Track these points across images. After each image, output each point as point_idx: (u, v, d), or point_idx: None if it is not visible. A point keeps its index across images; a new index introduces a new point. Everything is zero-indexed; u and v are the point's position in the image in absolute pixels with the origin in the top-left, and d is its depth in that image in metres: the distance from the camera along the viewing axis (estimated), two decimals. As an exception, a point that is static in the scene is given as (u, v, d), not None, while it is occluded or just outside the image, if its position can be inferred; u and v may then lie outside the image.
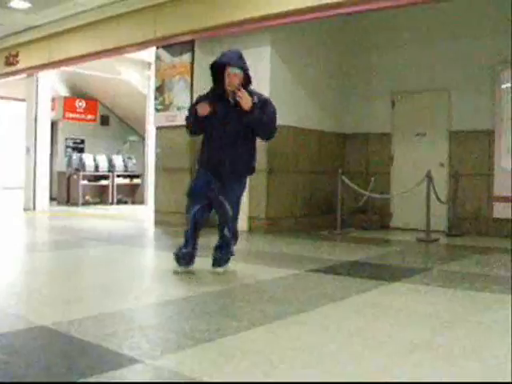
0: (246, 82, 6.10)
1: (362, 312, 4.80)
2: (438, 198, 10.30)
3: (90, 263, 7.62)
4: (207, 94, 6.40)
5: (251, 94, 6.02)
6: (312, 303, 5.04)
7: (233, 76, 5.99)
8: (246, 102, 5.91)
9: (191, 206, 6.32)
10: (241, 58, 6.15)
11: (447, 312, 4.83)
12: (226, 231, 6.35)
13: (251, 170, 6.33)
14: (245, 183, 6.43)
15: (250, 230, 10.64)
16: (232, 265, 6.55)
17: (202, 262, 6.60)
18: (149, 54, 13.68)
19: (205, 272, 6.55)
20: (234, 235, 6.43)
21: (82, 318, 4.36)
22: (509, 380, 2.67)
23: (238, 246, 9.01)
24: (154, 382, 3.22)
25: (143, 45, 12.40)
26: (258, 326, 4.24)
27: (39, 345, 3.78)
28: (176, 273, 6.34)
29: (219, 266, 6.39)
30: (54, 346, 3.79)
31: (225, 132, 6.06)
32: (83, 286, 5.91)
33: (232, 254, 6.49)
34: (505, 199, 10.69)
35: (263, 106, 6.05)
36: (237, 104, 5.97)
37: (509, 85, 10.73)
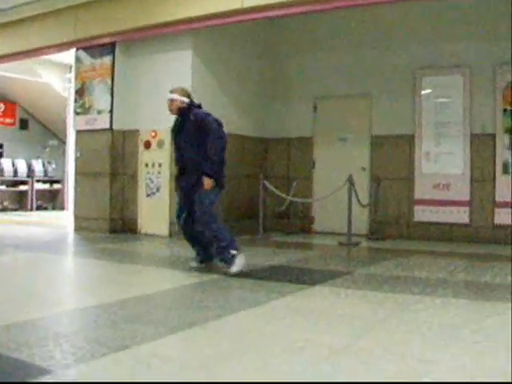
0: (187, 107, 6.90)
1: (281, 316, 4.75)
2: (360, 202, 10.38)
3: (5, 271, 7.35)
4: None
5: (191, 114, 6.78)
6: (231, 308, 4.97)
7: (170, 102, 6.94)
8: (207, 186, 6.62)
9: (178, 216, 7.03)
10: (178, 90, 7.05)
11: (368, 315, 4.82)
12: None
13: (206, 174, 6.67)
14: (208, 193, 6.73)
15: (171, 235, 10.52)
16: (155, 270, 6.41)
17: (126, 267, 6.46)
18: (70, 56, 13.38)
19: (125, 278, 6.43)
20: (216, 237, 6.63)
21: (-9, 327, 4.18)
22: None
23: (159, 251, 8.93)
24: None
25: (63, 46, 12.17)
26: (175, 332, 4.14)
27: None
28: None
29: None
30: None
31: (179, 143, 6.93)
32: (-4, 294, 5.69)
33: (228, 254, 6.62)
34: (425, 203, 10.85)
35: (207, 133, 6.67)
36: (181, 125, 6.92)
37: (428, 91, 10.91)
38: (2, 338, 3.94)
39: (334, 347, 3.84)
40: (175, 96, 6.86)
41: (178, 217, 6.98)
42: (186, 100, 6.88)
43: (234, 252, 6.53)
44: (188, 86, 10.37)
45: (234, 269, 6.48)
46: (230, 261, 6.52)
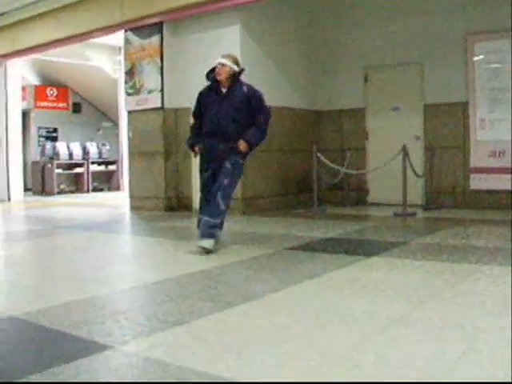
0: (236, 75, 6.72)
1: (338, 288, 4.74)
2: (415, 172, 10.26)
3: (64, 251, 7.49)
4: (205, 88, 7.01)
5: (242, 85, 6.72)
6: (288, 281, 4.96)
7: (220, 67, 6.62)
8: (243, 148, 6.60)
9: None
10: (230, 56, 6.81)
11: (425, 285, 4.78)
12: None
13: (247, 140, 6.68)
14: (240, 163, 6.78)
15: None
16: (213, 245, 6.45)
17: (182, 244, 6.49)
18: (119, 38, 13.46)
19: (182, 255, 6.48)
20: (221, 211, 6.61)
21: (52, 306, 4.26)
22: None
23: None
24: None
25: (111, 29, 12.21)
26: (232, 306, 4.16)
27: (8, 335, 3.69)
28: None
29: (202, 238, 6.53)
30: (23, 336, 3.69)
31: (218, 117, 6.66)
32: (56, 274, 5.78)
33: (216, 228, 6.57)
34: (481, 171, 10.68)
35: (256, 109, 6.69)
36: (228, 92, 6.71)
37: (481, 57, 10.69)
38: (61, 316, 4.02)
39: (391, 318, 3.81)
40: (227, 61, 6.61)
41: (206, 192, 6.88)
42: (237, 68, 6.69)
43: (218, 233, 6.64)
44: (237, 61, 10.44)
45: (206, 244, 6.41)
46: (210, 236, 6.47)
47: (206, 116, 6.74)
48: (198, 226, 6.71)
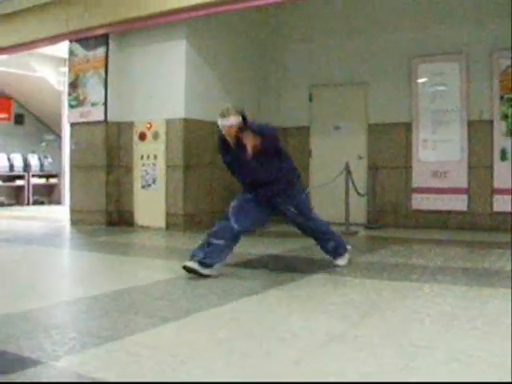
0: (243, 124, 5.86)
1: (277, 305, 4.69)
2: (357, 191, 10.30)
3: (0, 264, 7.29)
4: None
5: (250, 127, 5.85)
6: (226, 297, 4.90)
7: (227, 129, 5.88)
8: (250, 141, 5.79)
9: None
10: (231, 112, 5.89)
11: (365, 302, 4.76)
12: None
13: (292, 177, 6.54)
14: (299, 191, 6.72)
15: (168, 227, 10.45)
16: (151, 262, 6.35)
17: (120, 259, 6.39)
18: (64, 49, 13.27)
19: (120, 269, 6.37)
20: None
21: (-19, 319, 4.11)
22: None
23: (154, 243, 8.89)
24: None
25: (56, 39, 12.01)
26: (168, 322, 4.07)
27: None
28: None
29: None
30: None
31: (252, 175, 6.19)
32: (-11, 287, 5.62)
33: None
34: (423, 191, 10.79)
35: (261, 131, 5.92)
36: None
37: (425, 79, 10.83)
38: (-7, 330, 3.88)
39: (330, 335, 3.78)
40: (233, 121, 5.79)
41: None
42: (240, 118, 5.85)
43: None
44: (182, 76, 10.39)
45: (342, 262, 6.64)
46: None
47: (239, 172, 6.27)
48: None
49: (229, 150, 6.04)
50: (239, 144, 5.86)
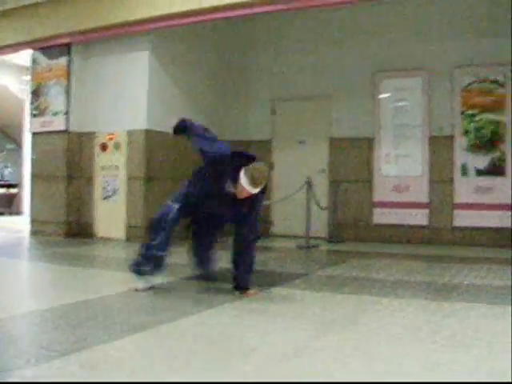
0: None
1: (237, 318, 4.64)
2: (318, 205, 10.31)
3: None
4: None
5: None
6: (184, 311, 4.84)
7: (246, 193, 5.28)
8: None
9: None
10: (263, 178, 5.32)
11: (325, 316, 4.74)
12: None
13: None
14: None
15: (128, 238, 10.35)
16: (109, 274, 6.26)
17: (78, 271, 6.28)
18: (27, 58, 13.14)
19: (77, 282, 6.27)
20: None
21: None
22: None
23: (114, 255, 8.79)
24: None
25: (18, 47, 11.93)
26: (125, 335, 4.00)
27: None
28: None
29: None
30: None
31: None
32: None
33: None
34: (384, 205, 10.85)
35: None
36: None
37: (387, 94, 10.91)
38: None
39: (289, 349, 3.74)
40: (259, 188, 5.31)
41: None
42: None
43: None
44: (144, 87, 10.33)
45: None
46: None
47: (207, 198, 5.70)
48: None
49: (218, 178, 5.47)
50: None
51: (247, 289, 5.67)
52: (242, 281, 5.71)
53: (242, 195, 5.29)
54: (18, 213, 17.78)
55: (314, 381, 3.13)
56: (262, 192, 5.48)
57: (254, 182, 5.17)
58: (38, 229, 11.41)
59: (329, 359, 3.52)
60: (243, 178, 5.18)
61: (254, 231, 5.80)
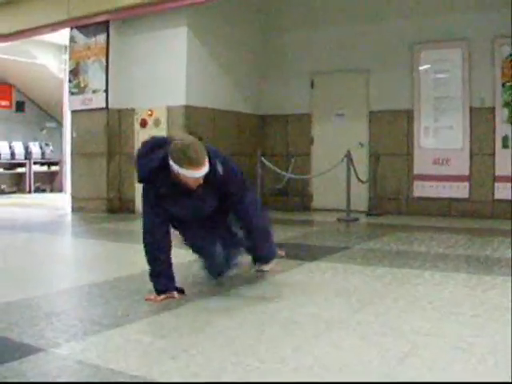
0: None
1: (279, 292, 4.67)
2: (358, 178, 10.29)
3: (1, 252, 7.27)
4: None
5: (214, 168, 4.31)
6: (227, 286, 4.87)
7: (195, 180, 4.19)
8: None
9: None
10: (204, 161, 4.19)
11: (366, 289, 4.75)
12: None
13: None
14: None
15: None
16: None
17: (121, 246, 6.38)
18: (64, 37, 13.23)
19: (121, 257, 6.36)
20: None
21: (-18, 307, 4.11)
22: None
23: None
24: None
25: (56, 26, 11.98)
26: (168, 309, 4.06)
27: None
28: None
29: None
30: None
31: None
32: (-10, 274, 5.62)
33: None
34: (424, 178, 10.78)
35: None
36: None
37: (427, 66, 10.79)
38: (-6, 317, 3.88)
39: (332, 321, 3.77)
40: (205, 169, 4.19)
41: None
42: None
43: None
44: (183, 63, 10.37)
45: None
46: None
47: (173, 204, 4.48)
48: None
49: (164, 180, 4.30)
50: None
51: (269, 259, 5.05)
52: (261, 250, 4.93)
53: (193, 185, 4.25)
54: (60, 190, 18.02)
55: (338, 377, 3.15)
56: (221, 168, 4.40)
57: (188, 162, 4.10)
58: (79, 205, 11.56)
59: (369, 333, 3.54)
60: (174, 165, 4.13)
61: (243, 188, 4.66)
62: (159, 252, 4.39)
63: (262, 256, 5.06)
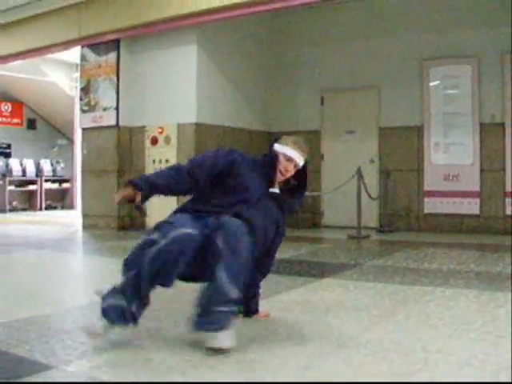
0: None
1: (288, 310, 4.66)
2: (369, 195, 10.29)
3: (12, 268, 7.30)
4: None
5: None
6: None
7: (290, 169, 4.21)
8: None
9: None
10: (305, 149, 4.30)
11: (377, 306, 4.73)
12: None
13: None
14: None
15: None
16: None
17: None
18: (76, 55, 13.33)
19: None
20: None
21: (-7, 324, 4.12)
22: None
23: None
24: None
25: (67, 44, 12.10)
26: (178, 326, 4.05)
27: None
28: None
29: None
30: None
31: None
32: (1, 291, 5.62)
33: None
34: (435, 194, 10.76)
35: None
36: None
37: (437, 82, 10.80)
38: (3, 334, 3.88)
39: (342, 339, 3.76)
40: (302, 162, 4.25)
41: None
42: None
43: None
44: (193, 81, 10.42)
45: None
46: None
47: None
48: None
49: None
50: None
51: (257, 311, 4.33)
52: (255, 303, 4.33)
53: (286, 174, 4.17)
54: (71, 207, 18.08)
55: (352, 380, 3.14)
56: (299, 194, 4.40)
57: (298, 146, 4.18)
58: (90, 223, 11.60)
59: (380, 350, 3.52)
60: (284, 147, 4.16)
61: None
62: None
63: (254, 309, 4.33)
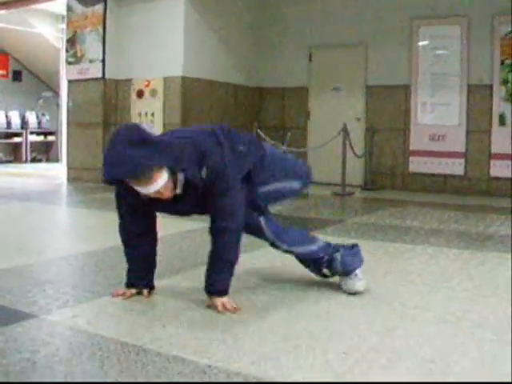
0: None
1: (266, 264, 4.70)
2: (354, 153, 10.30)
3: (-5, 220, 7.31)
4: None
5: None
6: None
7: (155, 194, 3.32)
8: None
9: None
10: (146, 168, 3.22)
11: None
12: None
13: None
14: None
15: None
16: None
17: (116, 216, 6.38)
18: (62, 6, 13.14)
19: (115, 226, 6.37)
20: None
21: (-25, 273, 4.13)
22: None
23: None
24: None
25: (53, -5, 11.93)
26: (162, 278, 4.07)
27: None
28: None
29: None
30: None
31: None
32: (-16, 242, 5.63)
33: None
34: (420, 154, 10.79)
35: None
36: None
37: (425, 42, 10.75)
38: (-15, 284, 3.91)
39: (322, 292, 3.80)
40: (160, 182, 3.24)
41: None
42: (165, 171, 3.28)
43: None
44: (180, 34, 10.33)
45: None
46: None
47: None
48: None
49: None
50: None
51: (223, 294, 3.52)
52: (219, 282, 3.54)
53: (164, 195, 3.36)
54: (56, 160, 17.99)
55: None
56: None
57: (141, 182, 3.26)
58: (75, 176, 11.56)
59: (358, 305, 3.57)
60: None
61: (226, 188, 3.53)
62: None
63: (217, 289, 3.52)
